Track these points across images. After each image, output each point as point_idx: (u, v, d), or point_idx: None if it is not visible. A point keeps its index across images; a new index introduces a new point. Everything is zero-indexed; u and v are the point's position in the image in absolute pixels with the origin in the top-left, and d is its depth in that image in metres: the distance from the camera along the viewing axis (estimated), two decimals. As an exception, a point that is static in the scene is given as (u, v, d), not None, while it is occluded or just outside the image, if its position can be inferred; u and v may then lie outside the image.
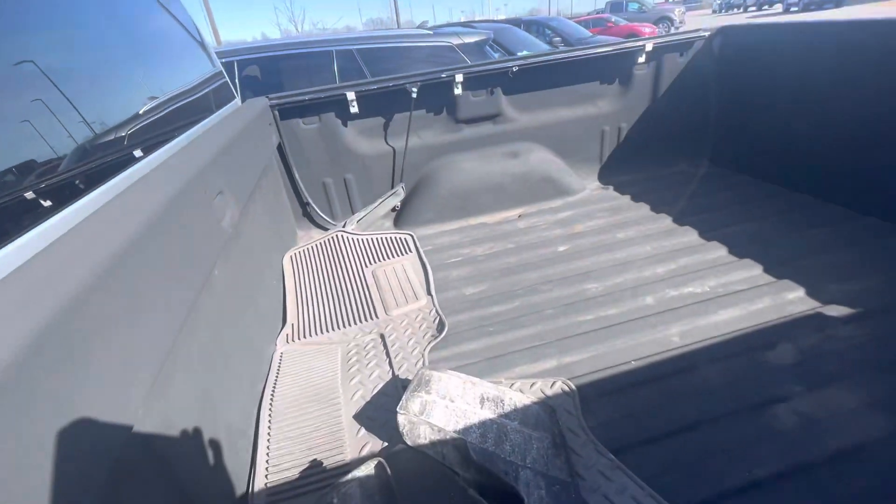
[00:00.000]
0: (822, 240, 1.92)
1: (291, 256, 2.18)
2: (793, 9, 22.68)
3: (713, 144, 2.86)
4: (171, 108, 1.53)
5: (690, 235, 2.10)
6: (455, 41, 4.43)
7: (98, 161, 1.05)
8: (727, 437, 1.15)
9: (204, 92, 1.92)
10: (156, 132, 1.33)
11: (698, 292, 1.70)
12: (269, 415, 1.29)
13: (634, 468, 1.08)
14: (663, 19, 19.92)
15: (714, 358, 1.40)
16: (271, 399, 1.35)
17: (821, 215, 2.11)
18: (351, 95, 2.33)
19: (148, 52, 1.62)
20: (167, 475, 0.83)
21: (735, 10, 32.42)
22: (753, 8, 30.42)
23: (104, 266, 0.71)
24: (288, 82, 4.11)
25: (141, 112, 1.32)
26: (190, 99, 1.75)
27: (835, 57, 2.05)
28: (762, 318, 1.53)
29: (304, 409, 1.30)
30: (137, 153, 1.19)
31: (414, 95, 2.38)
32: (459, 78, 2.41)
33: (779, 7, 26.39)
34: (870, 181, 2.01)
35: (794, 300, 1.60)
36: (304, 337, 1.69)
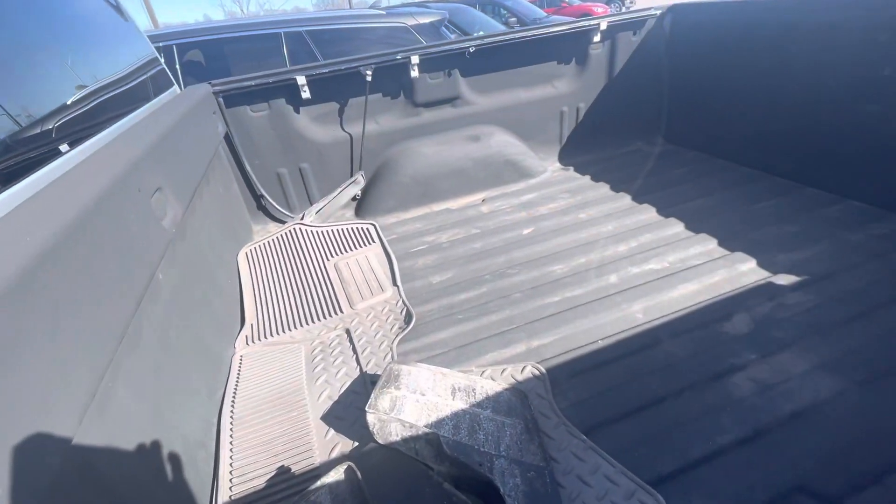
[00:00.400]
0: (770, 211, 2.00)
1: (247, 253, 2.07)
2: None
3: (667, 122, 2.93)
4: (96, 99, 1.38)
5: (649, 213, 2.15)
6: (410, 22, 4.29)
7: (9, 157, 0.93)
8: (690, 408, 1.19)
9: (137, 80, 1.75)
10: (79, 124, 1.19)
11: (658, 269, 1.74)
12: (231, 423, 1.22)
13: (606, 446, 1.10)
14: (615, 0, 20.20)
15: (675, 332, 1.44)
16: (232, 406, 1.28)
17: (768, 188, 2.20)
18: (301, 80, 2.21)
19: (68, 36, 1.45)
20: (115, 496, 0.76)
21: None
22: None
23: (17, 273, 0.62)
24: (235, 68, 3.87)
25: (60, 103, 1.18)
26: (120, 88, 1.59)
27: (776, 35, 2.12)
28: (718, 291, 1.58)
29: (268, 414, 1.24)
30: (56, 148, 1.07)
31: (368, 79, 2.28)
32: (415, 60, 2.33)
33: None
34: (811, 155, 2.12)
35: (746, 271, 1.66)
36: (265, 337, 1.61)
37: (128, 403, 0.85)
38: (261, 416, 1.24)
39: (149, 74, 1.89)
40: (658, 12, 2.66)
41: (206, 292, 1.47)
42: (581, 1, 18.10)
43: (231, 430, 1.20)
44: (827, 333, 1.35)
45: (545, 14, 11.32)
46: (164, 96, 1.91)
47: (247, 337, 1.62)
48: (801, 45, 2.03)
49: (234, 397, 1.31)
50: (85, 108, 1.26)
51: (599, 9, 16.10)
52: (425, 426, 1.06)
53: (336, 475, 0.87)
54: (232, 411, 1.26)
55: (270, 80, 2.19)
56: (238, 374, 1.41)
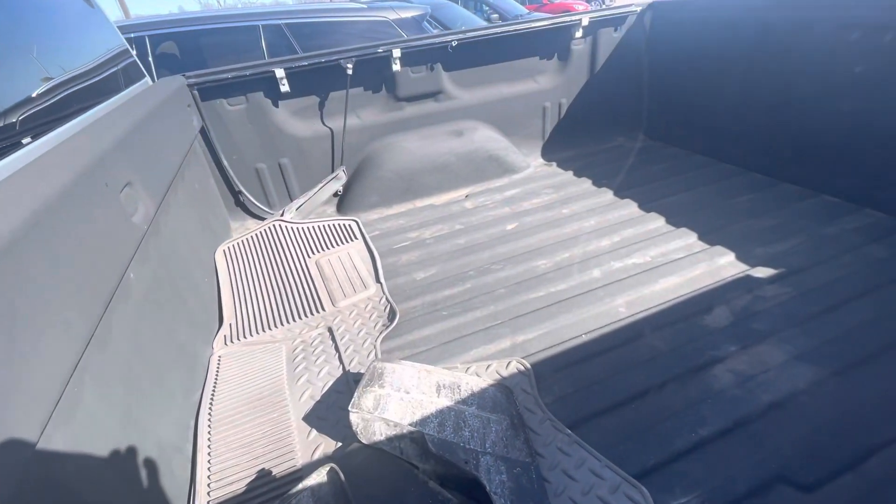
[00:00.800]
0: (748, 206, 2.04)
1: (225, 250, 2.01)
2: None
3: (647, 118, 2.96)
4: (61, 91, 1.31)
5: (631, 208, 2.17)
6: (392, 16, 4.24)
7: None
8: (673, 401, 1.20)
9: (104, 71, 1.67)
10: (41, 117, 1.13)
11: (640, 263, 1.76)
12: (209, 426, 1.18)
13: (591, 440, 1.10)
14: (595, -3, 20.38)
15: (657, 326, 1.45)
16: (210, 408, 1.24)
17: (745, 183, 2.24)
18: (280, 73, 2.15)
19: (28, 25, 1.37)
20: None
21: None
22: None
23: None
24: (212, 62, 3.75)
25: (21, 95, 1.11)
26: (86, 79, 1.51)
27: (753, 34, 2.16)
28: (699, 284, 1.60)
29: (247, 416, 1.21)
30: (17, 140, 1.01)
31: (350, 72, 2.24)
32: (397, 53, 2.29)
33: None
34: (786, 151, 2.16)
35: (725, 265, 1.69)
36: (244, 337, 1.56)
37: (97, 408, 0.81)
38: (240, 418, 1.20)
39: (118, 66, 1.81)
40: (639, 9, 2.68)
41: (181, 291, 1.42)
42: (562, -2, 18.26)
43: (209, 432, 1.16)
44: (803, 325, 1.38)
45: (527, 11, 11.35)
46: (135, 88, 1.84)
47: (225, 336, 1.57)
48: (776, 43, 2.07)
49: (212, 399, 1.27)
50: (48, 101, 1.20)
51: (580, 6, 16.24)
52: (410, 424, 1.04)
53: (318, 477, 0.85)
54: (210, 413, 1.22)
55: (248, 73, 2.13)
56: (216, 374, 1.37)
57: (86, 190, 0.91)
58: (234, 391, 1.30)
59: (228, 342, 1.55)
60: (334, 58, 2.20)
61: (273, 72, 2.15)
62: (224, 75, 2.11)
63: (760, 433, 1.08)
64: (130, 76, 1.86)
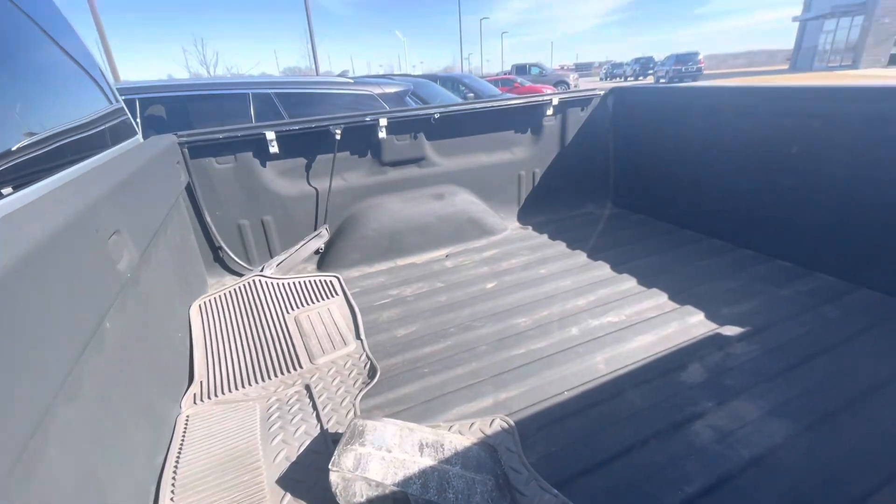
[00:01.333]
0: (711, 269, 2.18)
1: (200, 305, 1.96)
2: (661, 80, 27.54)
3: (614, 188, 3.19)
4: (58, 142, 1.34)
5: (604, 269, 2.27)
6: (376, 90, 4.55)
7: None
8: (657, 457, 1.19)
9: (100, 127, 1.72)
10: (38, 165, 1.14)
11: (616, 321, 1.82)
12: (172, 491, 1.09)
13: (578, 500, 1.07)
14: (561, 82, 22.51)
15: (637, 382, 1.48)
16: (174, 471, 1.15)
17: (707, 248, 2.41)
18: (271, 135, 2.26)
19: (28, 80, 1.42)
20: None
21: (617, 78, 40.05)
22: (631, 77, 37.27)
23: None
24: (198, 125, 3.86)
25: (20, 144, 1.14)
26: (82, 133, 1.55)
27: (703, 116, 2.44)
28: (673, 342, 1.66)
29: (215, 480, 1.12)
30: (16, 182, 1.01)
31: (338, 137, 2.36)
32: (384, 122, 2.45)
33: (651, 79, 32.18)
34: (740, 220, 2.36)
35: (696, 323, 1.77)
36: (216, 395, 1.49)
37: (59, 463, 0.75)
38: (208, 482, 1.12)
39: (113, 121, 1.87)
40: (601, 93, 3.00)
41: (153, 345, 1.37)
42: (532, 83, 20.04)
43: (172, 498, 1.07)
44: (772, 381, 1.43)
45: (500, 92, 12.36)
46: (126, 143, 1.88)
47: (195, 395, 1.49)
48: (723, 125, 2.34)
49: (176, 462, 1.18)
50: (49, 146, 1.22)
51: (548, 90, 17.88)
52: (393, 485, 0.99)
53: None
54: (174, 477, 1.13)
55: (239, 135, 2.22)
56: (183, 435, 1.28)
57: (77, 234, 0.91)
58: (201, 453, 1.21)
59: (198, 401, 1.47)
60: (324, 124, 2.33)
61: (264, 134, 2.25)
62: (216, 135, 2.19)
63: (744, 488, 1.09)
64: (123, 133, 1.91)
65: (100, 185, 1.12)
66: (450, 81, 11.79)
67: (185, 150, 2.17)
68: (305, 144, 2.42)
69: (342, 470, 1.00)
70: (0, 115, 1.14)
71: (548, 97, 2.83)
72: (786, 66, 30.35)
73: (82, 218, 0.94)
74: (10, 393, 0.64)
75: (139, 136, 2.07)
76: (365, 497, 0.97)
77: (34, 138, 1.20)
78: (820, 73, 23.03)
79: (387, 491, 0.98)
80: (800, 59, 28.28)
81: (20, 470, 0.65)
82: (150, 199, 1.56)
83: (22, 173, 1.07)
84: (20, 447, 0.65)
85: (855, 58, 23.79)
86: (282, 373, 1.59)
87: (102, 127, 1.75)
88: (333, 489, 0.97)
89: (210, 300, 2.01)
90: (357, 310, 1.92)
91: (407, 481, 1.03)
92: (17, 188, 1.02)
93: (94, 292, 0.95)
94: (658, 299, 1.95)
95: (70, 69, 1.70)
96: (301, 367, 1.62)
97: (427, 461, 1.11)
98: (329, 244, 2.58)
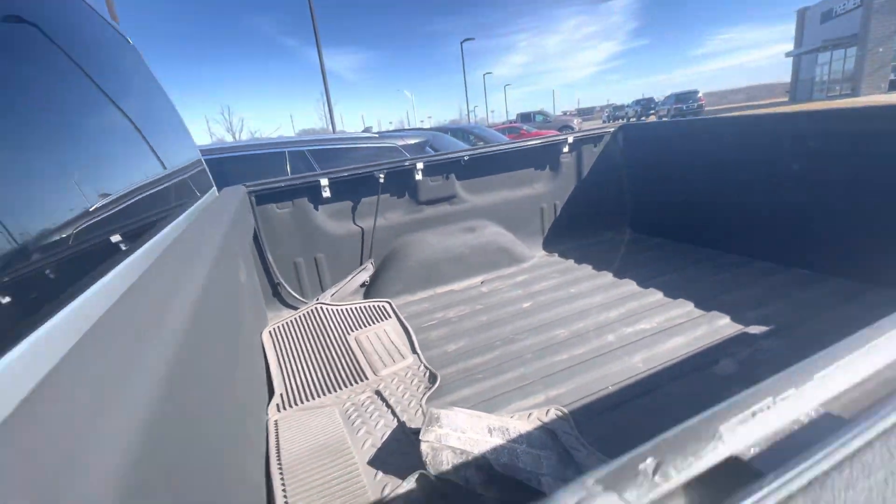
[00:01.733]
0: (732, 280, 2.34)
1: (270, 332, 2.19)
2: (664, 119, 28.68)
3: (631, 215, 3.41)
4: (165, 189, 1.64)
5: (630, 285, 2.45)
6: (399, 143, 5.00)
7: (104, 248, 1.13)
8: None
9: (190, 178, 2.05)
10: (144, 219, 1.41)
11: (648, 328, 1.98)
12: (280, 472, 1.27)
13: None
14: (566, 127, 23.42)
15: (673, 376, 1.63)
16: (278, 457, 1.33)
17: (726, 262, 2.58)
18: (325, 181, 2.57)
19: (134, 131, 1.72)
20: None
21: (620, 120, 41.59)
22: (633, 119, 38.71)
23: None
24: (237, 182, 4.22)
25: (128, 197, 1.38)
26: (181, 182, 1.87)
27: (707, 142, 2.70)
28: (704, 342, 1.81)
29: (315, 462, 1.30)
30: (144, 231, 1.28)
31: (381, 181, 2.67)
32: (420, 165, 2.77)
33: (653, 118, 33.39)
34: (754, 235, 2.55)
35: (724, 325, 1.92)
36: (296, 404, 1.68)
37: (193, 457, 0.94)
38: (308, 465, 1.29)
39: (196, 173, 2.20)
40: (612, 129, 3.30)
41: (242, 365, 1.58)
42: (537, 129, 20.87)
43: (281, 477, 1.25)
44: None
45: (508, 139, 12.99)
46: (209, 195, 2.20)
47: (277, 405, 1.68)
48: (727, 150, 2.59)
49: (278, 451, 1.36)
50: (149, 200, 1.51)
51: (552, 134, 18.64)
52: (474, 453, 1.16)
53: (408, 484, 0.96)
54: (279, 463, 1.31)
55: (298, 182, 2.55)
56: (277, 433, 1.47)
57: (222, 284, 1.14)
58: (297, 444, 1.39)
59: (281, 409, 1.66)
60: (370, 169, 2.65)
61: (319, 181, 2.57)
62: (278, 184, 2.51)
63: None
64: (205, 184, 2.24)
65: (215, 235, 1.37)
66: (460, 132, 12.51)
67: (252, 198, 2.49)
68: (353, 188, 2.73)
69: (430, 441, 1.17)
70: (129, 163, 1.45)
71: (563, 137, 3.15)
72: (786, 99, 31.18)
73: (219, 263, 1.18)
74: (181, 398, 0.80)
75: (214, 189, 2.40)
76: (451, 465, 1.14)
77: (148, 189, 1.50)
78: (822, 104, 23.64)
79: (469, 458, 1.15)
80: (798, 90, 29.13)
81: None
82: (235, 243, 1.84)
83: (138, 224, 1.34)
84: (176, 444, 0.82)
85: (854, 86, 24.44)
86: (351, 384, 1.78)
87: (190, 178, 2.08)
88: (423, 458, 1.14)
89: (278, 327, 2.24)
90: (410, 329, 2.12)
91: (483, 454, 1.19)
92: (157, 223, 1.29)
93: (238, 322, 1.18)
94: (685, 307, 2.11)
95: (173, 124, 2.05)
96: (367, 378, 1.81)
97: (497, 440, 1.27)
98: (374, 276, 2.83)
